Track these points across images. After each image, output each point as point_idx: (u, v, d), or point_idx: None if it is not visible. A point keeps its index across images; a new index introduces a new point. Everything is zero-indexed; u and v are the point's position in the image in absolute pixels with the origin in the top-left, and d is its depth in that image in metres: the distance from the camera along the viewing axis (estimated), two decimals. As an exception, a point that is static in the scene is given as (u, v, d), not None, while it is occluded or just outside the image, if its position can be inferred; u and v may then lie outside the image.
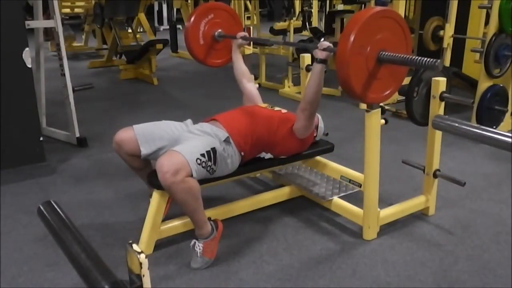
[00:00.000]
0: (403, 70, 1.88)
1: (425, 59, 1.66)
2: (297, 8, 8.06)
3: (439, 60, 1.62)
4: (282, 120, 2.28)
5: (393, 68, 1.76)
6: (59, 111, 3.86)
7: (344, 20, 5.83)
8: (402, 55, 1.69)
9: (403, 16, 4.27)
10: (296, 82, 5.25)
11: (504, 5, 3.44)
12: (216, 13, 2.61)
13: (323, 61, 2.02)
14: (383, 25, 1.72)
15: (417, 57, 1.68)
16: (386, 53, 1.70)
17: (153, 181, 1.99)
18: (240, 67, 2.59)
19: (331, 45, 2.01)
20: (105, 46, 7.64)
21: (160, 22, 12.48)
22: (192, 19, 2.55)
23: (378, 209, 2.24)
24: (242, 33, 2.54)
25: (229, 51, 2.64)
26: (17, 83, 2.97)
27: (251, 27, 6.65)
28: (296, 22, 6.51)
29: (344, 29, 1.63)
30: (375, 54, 1.70)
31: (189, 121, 2.31)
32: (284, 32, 6.20)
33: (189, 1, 7.66)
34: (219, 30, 2.62)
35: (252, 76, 2.65)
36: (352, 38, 1.61)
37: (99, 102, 4.99)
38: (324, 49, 1.99)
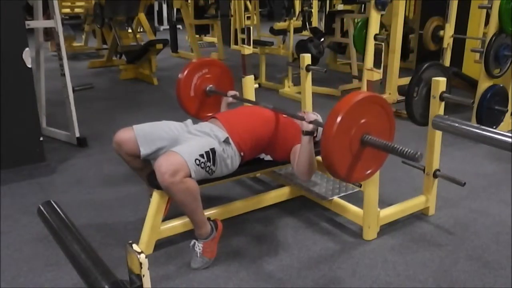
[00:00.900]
0: (384, 153, 1.90)
1: (406, 149, 1.67)
2: (297, 8, 8.06)
3: (419, 153, 1.64)
4: (282, 124, 2.26)
5: (375, 150, 1.79)
6: (59, 111, 3.86)
7: (344, 20, 5.83)
8: (384, 142, 1.73)
9: (403, 16, 4.28)
10: (296, 82, 5.25)
11: (504, 5, 3.45)
12: (209, 69, 2.64)
13: (309, 133, 1.98)
14: (370, 110, 1.76)
15: (398, 146, 1.70)
16: (370, 137, 1.75)
17: (153, 181, 1.99)
18: None
19: (317, 118, 2.01)
20: (105, 46, 7.63)
21: (160, 22, 12.47)
22: (186, 72, 2.58)
23: (378, 209, 2.24)
24: (232, 92, 2.57)
25: (219, 106, 2.64)
26: (17, 83, 2.97)
27: (251, 27, 6.66)
28: (296, 22, 6.50)
29: (332, 110, 1.69)
30: (359, 136, 1.75)
31: (189, 121, 2.31)
32: (284, 32, 6.20)
33: (189, 1, 7.66)
34: (211, 85, 2.64)
35: None
36: (338, 121, 1.66)
37: (99, 102, 4.99)
38: (310, 122, 1.97)
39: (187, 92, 2.60)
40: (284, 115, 2.34)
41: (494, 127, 3.60)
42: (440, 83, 2.22)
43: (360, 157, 1.78)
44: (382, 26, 4.81)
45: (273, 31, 6.31)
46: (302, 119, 1.99)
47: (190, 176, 1.88)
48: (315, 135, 2.47)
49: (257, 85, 2.84)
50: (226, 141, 2.08)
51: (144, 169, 2.25)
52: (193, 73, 2.60)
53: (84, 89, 3.75)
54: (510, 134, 1.94)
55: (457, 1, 4.26)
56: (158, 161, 1.87)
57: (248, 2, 7.13)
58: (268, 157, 2.32)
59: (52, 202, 1.36)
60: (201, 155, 1.94)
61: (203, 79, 2.62)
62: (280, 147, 2.23)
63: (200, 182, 1.95)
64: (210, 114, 2.64)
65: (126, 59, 6.37)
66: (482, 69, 3.66)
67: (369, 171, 1.87)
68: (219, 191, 2.69)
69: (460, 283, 1.93)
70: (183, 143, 2.03)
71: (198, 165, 1.91)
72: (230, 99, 2.56)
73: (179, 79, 2.58)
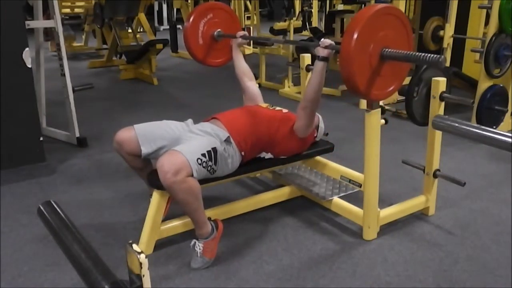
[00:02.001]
0: (405, 67, 1.89)
1: (428, 55, 1.66)
2: (297, 8, 8.07)
3: (442, 56, 1.63)
4: (282, 120, 2.28)
5: (396, 65, 1.77)
6: (59, 111, 3.86)
7: (344, 20, 5.83)
8: (405, 52, 1.70)
9: (403, 16, 4.28)
10: (296, 82, 5.25)
11: (504, 5, 3.44)
12: (215, 13, 2.61)
13: (325, 59, 2.01)
14: (386, 23, 1.73)
15: (420, 54, 1.68)
16: (389, 50, 1.71)
17: (153, 181, 1.99)
18: (241, 66, 2.59)
19: (333, 43, 2.00)
20: (105, 46, 7.63)
21: (160, 22, 12.47)
22: (191, 19, 2.55)
23: (378, 209, 2.24)
24: (241, 32, 2.54)
25: (229, 50, 2.64)
26: (17, 83, 2.97)
27: (251, 27, 6.65)
28: (296, 22, 6.51)
29: (347, 27, 1.66)
30: (378, 51, 1.72)
31: (189, 121, 2.31)
32: (284, 32, 6.20)
33: (189, 1, 7.66)
34: (219, 30, 2.61)
35: (253, 75, 2.65)
36: (355, 36, 1.62)
37: (99, 102, 4.99)
38: (326, 47, 1.98)
39: (195, 39, 2.56)
40: (285, 110, 2.34)
41: (494, 127, 3.59)
42: (440, 83, 2.22)
43: (380, 73, 1.75)
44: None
45: (273, 31, 6.31)
46: (317, 45, 2.00)
47: (192, 175, 1.88)
48: (315, 135, 2.48)
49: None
50: (227, 141, 2.08)
51: (144, 169, 2.25)
52: (198, 19, 2.56)
53: (84, 89, 3.74)
54: (510, 134, 1.94)
55: (457, 1, 4.25)
56: (160, 160, 1.87)
57: (248, 2, 7.13)
58: (268, 155, 2.32)
59: (52, 202, 1.36)
60: (203, 154, 1.94)
61: (210, 24, 2.59)
62: (281, 142, 2.25)
63: (201, 181, 1.95)
64: (221, 60, 2.65)
65: (126, 59, 6.38)
66: (482, 69, 3.66)
67: (390, 88, 1.83)
68: (219, 191, 2.69)
69: (460, 283, 1.93)
70: (184, 143, 2.03)
71: (200, 164, 1.91)
72: (240, 40, 2.55)
73: (185, 28, 2.55)
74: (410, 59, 1.71)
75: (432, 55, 1.66)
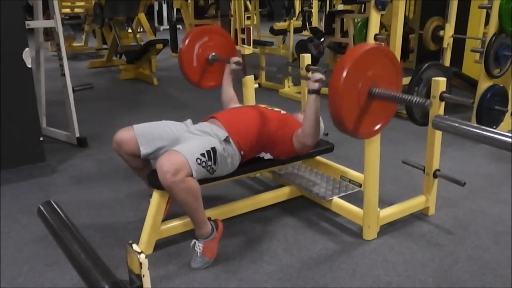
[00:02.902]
0: (393, 105, 1.89)
1: (416, 98, 1.66)
2: (297, 8, 8.06)
3: (428, 100, 1.64)
4: (281, 121, 2.28)
5: (384, 103, 1.78)
6: (59, 111, 3.86)
7: (344, 20, 5.83)
8: (392, 93, 1.71)
9: (403, 16, 4.28)
10: (296, 82, 5.25)
11: (504, 5, 3.45)
12: (210, 36, 2.62)
13: (315, 92, 2.01)
14: (376, 62, 1.74)
15: (407, 96, 1.69)
16: (377, 90, 1.73)
17: (153, 181, 1.99)
18: (229, 92, 2.62)
19: (323, 77, 2.01)
20: (105, 46, 7.63)
21: (160, 22, 12.47)
22: (187, 41, 2.56)
23: (378, 209, 2.24)
24: (235, 58, 2.56)
25: (222, 74, 2.64)
26: (17, 83, 2.97)
27: (251, 27, 6.64)
28: (296, 22, 6.51)
29: (337, 64, 1.66)
30: (367, 89, 1.73)
31: (189, 121, 2.31)
32: (284, 32, 6.20)
33: (189, 1, 7.66)
34: (213, 53, 2.62)
35: (237, 100, 2.65)
36: (344, 74, 1.63)
37: (99, 102, 4.99)
38: (316, 81, 1.98)
39: (190, 61, 2.58)
40: (283, 112, 2.35)
41: (494, 127, 3.60)
42: (440, 83, 2.22)
43: (368, 111, 1.75)
44: (382, 26, 4.81)
45: (273, 31, 6.31)
46: (308, 78, 2.00)
47: (191, 175, 1.88)
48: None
49: (257, 85, 2.84)
50: (226, 140, 2.08)
51: (144, 169, 2.25)
52: (194, 42, 2.57)
53: (84, 89, 3.74)
54: (510, 134, 1.93)
55: (457, 1, 4.25)
56: (159, 160, 1.87)
57: (248, 2, 7.12)
58: (268, 155, 2.32)
59: (52, 202, 1.36)
60: (202, 154, 1.94)
61: (205, 47, 2.60)
62: (280, 144, 2.24)
63: (201, 181, 1.95)
64: (214, 83, 2.66)
65: (126, 59, 6.38)
66: (482, 69, 3.66)
67: (377, 126, 1.84)
68: (219, 191, 2.69)
69: (460, 283, 1.93)
70: (184, 143, 2.03)
71: (199, 164, 1.91)
72: (234, 66, 2.56)
73: (180, 49, 2.56)
74: (397, 100, 1.72)
75: (419, 98, 1.66)
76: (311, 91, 2.02)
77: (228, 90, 2.62)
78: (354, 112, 1.72)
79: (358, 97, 1.71)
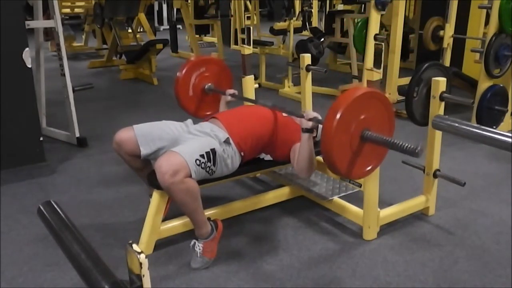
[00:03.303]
0: (384, 148, 1.90)
1: (406, 144, 1.67)
2: (297, 8, 8.05)
3: (419, 148, 1.64)
4: (282, 123, 2.26)
5: (375, 146, 1.79)
6: (59, 111, 3.86)
7: (344, 20, 5.83)
8: (384, 137, 1.73)
9: (403, 16, 4.28)
10: (296, 82, 5.25)
11: (504, 5, 3.45)
12: (208, 67, 2.63)
13: (309, 131, 1.98)
14: (369, 105, 1.76)
15: (398, 142, 1.69)
16: (370, 133, 1.74)
17: (153, 181, 1.98)
18: None
19: (317, 115, 1.99)
20: (105, 46, 7.63)
21: (160, 22, 12.47)
22: (184, 71, 2.56)
23: (378, 209, 2.24)
24: (231, 91, 2.56)
25: (218, 104, 2.63)
26: (17, 83, 2.97)
27: (251, 27, 6.64)
28: (296, 22, 6.50)
29: (331, 106, 1.68)
30: (359, 132, 1.74)
31: (189, 121, 2.31)
32: (284, 32, 6.19)
33: (189, 1, 7.66)
34: (209, 84, 2.62)
35: None
36: (338, 116, 1.65)
37: (99, 102, 4.99)
38: (310, 119, 1.97)
39: (186, 91, 2.59)
40: (284, 114, 2.34)
41: (494, 127, 3.60)
42: (440, 83, 2.22)
43: (360, 153, 1.78)
44: (382, 26, 4.81)
45: (273, 31, 6.30)
46: (302, 116, 1.99)
47: (190, 176, 1.88)
48: (314, 134, 2.47)
49: (257, 85, 2.84)
50: (226, 141, 2.08)
51: (144, 169, 2.25)
52: (191, 72, 2.58)
53: (84, 89, 3.75)
54: (510, 134, 1.94)
55: (457, 1, 4.26)
56: (158, 161, 1.87)
57: (248, 2, 7.12)
58: (268, 157, 2.32)
59: (52, 202, 1.36)
60: (202, 155, 1.94)
61: (202, 78, 2.61)
62: (280, 146, 2.23)
63: (200, 182, 1.95)
64: (209, 113, 2.64)
65: (126, 59, 6.37)
66: (482, 69, 3.66)
67: (369, 167, 1.86)
68: (219, 191, 2.69)
69: (460, 283, 1.93)
70: (183, 143, 2.03)
71: (198, 165, 1.91)
72: (229, 98, 2.56)
73: (177, 78, 2.57)
74: (388, 145, 1.73)
75: (409, 145, 1.66)
76: (304, 130, 1.97)
77: None
78: (346, 155, 1.74)
79: (351, 140, 1.73)
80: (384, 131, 1.80)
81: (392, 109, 1.87)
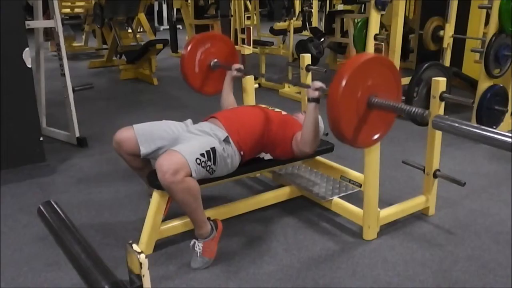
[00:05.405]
0: (392, 115, 1.89)
1: (414, 108, 1.66)
2: (297, 8, 8.06)
3: (427, 111, 1.63)
4: (281, 121, 2.27)
5: (382, 113, 1.78)
6: (59, 111, 3.86)
7: (344, 20, 5.83)
8: (391, 103, 1.71)
9: (403, 16, 4.28)
10: (296, 82, 5.24)
11: (504, 5, 3.45)
12: (213, 43, 2.62)
13: (315, 100, 2.01)
14: (375, 71, 1.73)
15: (406, 106, 1.68)
16: (376, 99, 1.72)
17: (153, 181, 1.99)
18: (228, 99, 2.60)
19: (323, 85, 2.00)
20: (105, 46, 7.63)
21: (160, 22, 12.47)
22: (189, 47, 2.55)
23: (378, 209, 2.24)
24: (237, 65, 2.55)
25: (223, 80, 2.63)
26: (17, 83, 2.97)
27: (251, 27, 6.64)
28: (296, 22, 6.51)
29: (337, 73, 1.65)
30: (366, 99, 1.72)
31: (189, 121, 2.31)
32: (284, 32, 6.20)
33: (189, 1, 7.66)
34: (215, 60, 2.62)
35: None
36: (344, 82, 1.63)
37: (99, 102, 4.99)
38: (316, 89, 1.98)
39: (192, 68, 2.57)
40: (284, 112, 2.34)
41: (494, 127, 3.60)
42: (440, 83, 2.22)
43: (367, 121, 1.75)
44: (382, 26, 4.81)
45: (273, 31, 6.31)
46: (308, 86, 2.00)
47: (191, 175, 1.88)
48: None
49: (257, 85, 2.84)
50: (226, 140, 2.08)
51: (144, 169, 2.25)
52: (196, 48, 2.57)
53: (84, 89, 3.74)
54: (510, 134, 1.93)
55: (457, 1, 4.26)
56: (159, 160, 1.87)
57: (248, 2, 7.12)
58: (268, 156, 2.32)
59: (52, 202, 1.36)
60: (202, 154, 1.94)
61: (207, 54, 2.60)
62: (280, 145, 2.24)
63: (200, 182, 1.95)
64: (213, 89, 2.65)
65: (126, 59, 6.38)
66: (482, 69, 3.66)
67: (376, 136, 1.83)
68: (219, 191, 2.69)
69: (460, 283, 1.93)
70: (183, 143, 2.03)
71: (199, 164, 1.91)
72: (235, 73, 2.55)
73: (182, 56, 2.55)
74: (396, 110, 1.71)
75: (417, 109, 1.65)
76: (310, 100, 2.01)
77: (228, 96, 2.61)
78: (352, 121, 1.72)
79: (357, 107, 1.71)
80: (391, 97, 1.76)
81: (399, 76, 1.84)
